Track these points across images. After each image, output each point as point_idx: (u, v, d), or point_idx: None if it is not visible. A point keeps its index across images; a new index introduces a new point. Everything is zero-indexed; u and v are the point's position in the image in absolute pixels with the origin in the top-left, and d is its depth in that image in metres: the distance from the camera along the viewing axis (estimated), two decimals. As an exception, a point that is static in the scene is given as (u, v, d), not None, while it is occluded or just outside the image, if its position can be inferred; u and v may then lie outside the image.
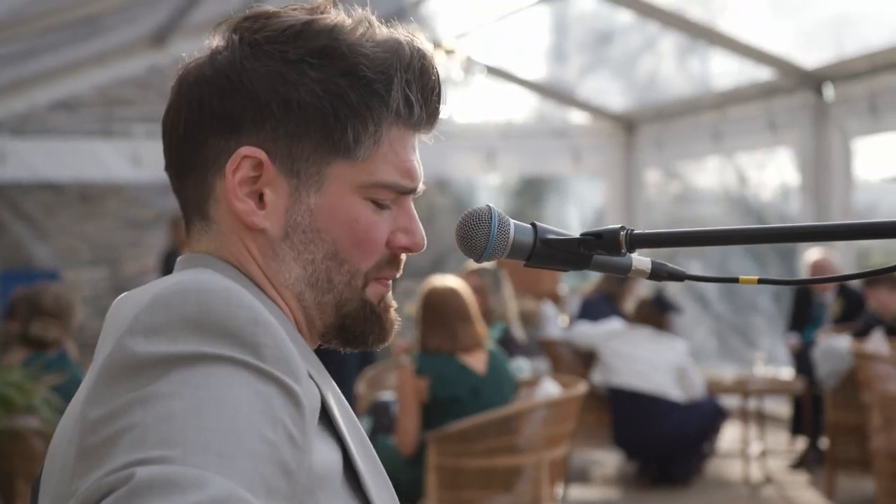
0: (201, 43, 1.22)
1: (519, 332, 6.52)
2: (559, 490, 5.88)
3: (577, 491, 7.21)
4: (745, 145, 9.89)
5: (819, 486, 7.12)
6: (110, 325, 1.10)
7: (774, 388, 7.77)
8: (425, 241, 1.23)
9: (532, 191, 14.14)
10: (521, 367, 6.07)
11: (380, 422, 5.25)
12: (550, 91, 11.47)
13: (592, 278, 9.00)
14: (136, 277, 10.60)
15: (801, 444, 8.00)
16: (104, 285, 10.95)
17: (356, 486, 1.12)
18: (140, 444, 0.91)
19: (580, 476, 7.60)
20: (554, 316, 8.61)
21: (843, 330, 7.26)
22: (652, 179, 11.56)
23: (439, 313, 4.88)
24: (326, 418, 1.12)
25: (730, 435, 8.40)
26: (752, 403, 7.97)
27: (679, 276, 1.21)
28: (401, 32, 1.21)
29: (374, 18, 1.20)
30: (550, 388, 5.31)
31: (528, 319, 8.15)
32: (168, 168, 1.22)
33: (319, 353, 1.26)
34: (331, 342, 1.24)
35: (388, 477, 1.20)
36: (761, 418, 8.00)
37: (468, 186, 12.92)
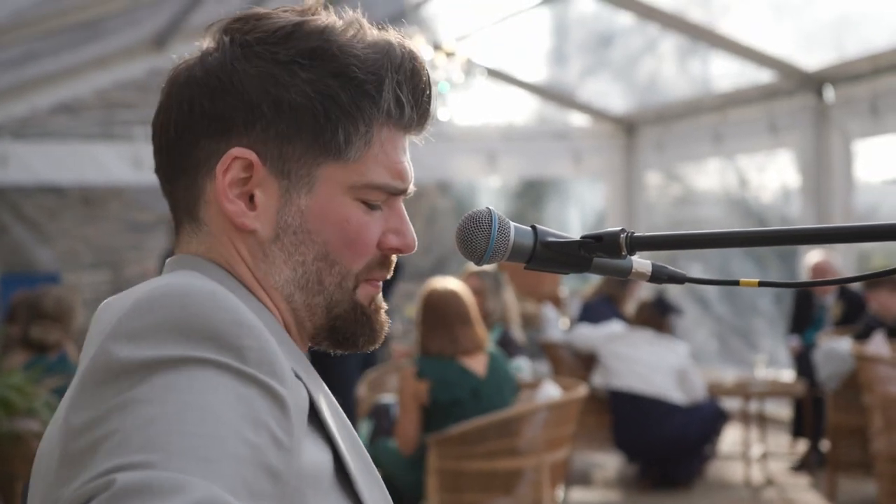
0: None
1: (518, 334, 6.52)
2: (560, 493, 5.88)
3: (577, 494, 7.21)
4: (746, 147, 9.89)
5: (820, 488, 7.11)
6: (94, 330, 1.10)
7: (775, 390, 7.76)
8: (416, 243, 1.23)
9: (533, 193, 14.14)
10: (521, 366, 6.07)
11: (380, 424, 5.25)
12: (551, 93, 11.47)
13: (593, 281, 9.00)
14: (137, 280, 10.57)
15: (802, 446, 8.00)
16: (105, 288, 10.95)
17: (348, 487, 1.12)
18: (121, 449, 0.90)
19: (581, 479, 7.59)
20: (555, 318, 8.61)
21: (844, 332, 7.25)
22: (652, 182, 11.56)
23: (440, 316, 4.88)
24: (316, 419, 1.11)
25: (731, 437, 8.40)
26: (754, 406, 7.97)
27: (679, 279, 1.21)
28: (391, 34, 1.21)
29: (364, 20, 1.20)
30: (551, 391, 5.31)
31: (529, 322, 8.16)
32: (158, 170, 1.22)
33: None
34: (321, 344, 1.24)
35: (380, 478, 1.20)
36: (762, 421, 8.00)
37: (469, 189, 12.92)
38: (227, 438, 0.93)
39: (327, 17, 1.19)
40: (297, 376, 1.10)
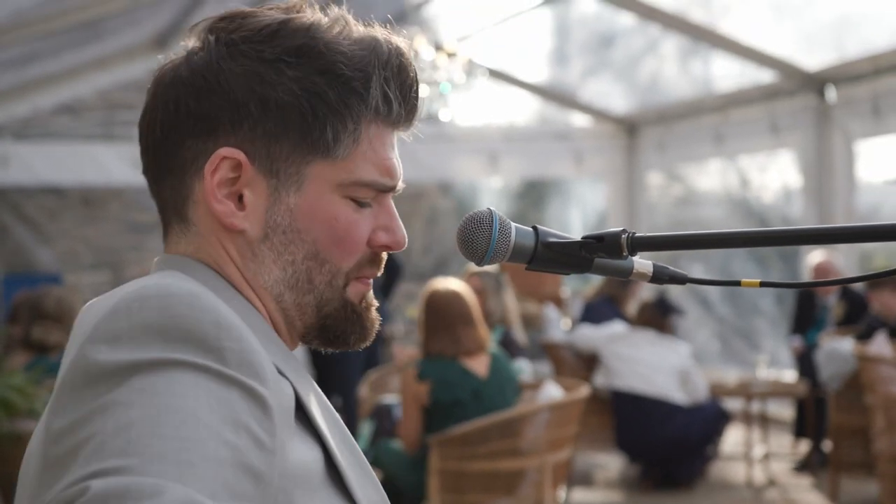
0: None
1: (519, 335, 6.52)
2: (562, 493, 5.88)
3: (579, 494, 7.20)
4: (748, 148, 9.88)
5: (823, 488, 7.10)
6: (76, 333, 1.09)
7: (777, 390, 7.76)
8: (406, 240, 1.23)
9: (534, 193, 14.14)
10: (522, 368, 6.07)
11: (382, 425, 5.25)
12: (552, 94, 11.46)
13: (594, 281, 9.00)
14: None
15: (804, 446, 7.99)
16: (106, 289, 10.84)
17: (340, 484, 1.12)
18: (98, 454, 0.90)
19: (583, 479, 7.59)
20: (556, 319, 8.61)
21: (846, 332, 7.25)
22: (654, 182, 11.56)
23: (441, 316, 4.87)
24: (305, 418, 1.11)
25: (733, 438, 8.39)
26: (756, 406, 7.96)
27: (681, 279, 1.21)
28: (377, 30, 1.20)
29: (350, 16, 1.19)
30: (553, 392, 5.31)
31: (531, 322, 8.16)
32: (145, 171, 1.21)
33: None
34: (312, 342, 1.23)
35: (374, 475, 1.19)
36: (764, 421, 7.99)
37: (471, 189, 12.92)
38: (206, 440, 0.92)
39: (313, 15, 1.18)
40: (283, 374, 1.09)
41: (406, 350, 5.45)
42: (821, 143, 8.59)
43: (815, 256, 7.81)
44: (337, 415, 1.20)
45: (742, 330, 10.54)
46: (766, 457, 7.71)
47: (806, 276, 8.04)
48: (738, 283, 1.19)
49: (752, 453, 7.60)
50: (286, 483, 1.03)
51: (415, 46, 7.96)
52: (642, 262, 1.21)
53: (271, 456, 0.98)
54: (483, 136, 11.08)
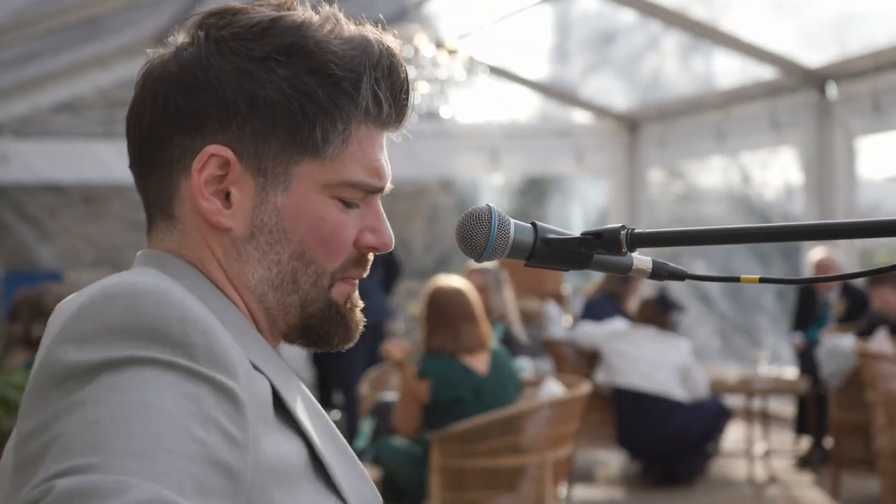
0: None
1: (520, 332, 6.52)
2: (563, 490, 5.88)
3: (580, 491, 7.21)
4: (749, 144, 9.88)
5: (824, 485, 7.10)
6: (46, 334, 1.09)
7: (778, 387, 7.75)
8: (393, 241, 1.22)
9: (535, 190, 14.14)
10: (523, 366, 6.07)
11: (383, 422, 5.25)
12: (553, 91, 11.46)
13: (595, 278, 9.00)
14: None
15: (805, 443, 7.99)
16: (107, 287, 10.96)
17: (325, 477, 1.11)
18: (64, 453, 0.90)
19: (584, 476, 7.59)
20: (557, 316, 8.61)
21: (847, 329, 7.25)
22: (655, 179, 11.55)
23: (443, 313, 4.87)
24: (286, 413, 1.10)
25: (734, 434, 8.39)
26: (757, 403, 7.96)
27: (680, 276, 1.20)
28: (369, 29, 1.19)
29: (341, 15, 1.18)
30: (554, 388, 5.31)
31: (532, 319, 8.15)
32: (132, 165, 1.20)
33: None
34: (294, 342, 1.23)
35: (363, 468, 1.19)
36: (765, 418, 7.99)
37: (472, 186, 12.92)
38: (174, 436, 0.92)
39: (304, 12, 1.17)
40: (259, 369, 1.09)
41: (401, 345, 5.42)
42: (822, 140, 8.58)
43: (815, 253, 7.81)
44: (322, 410, 1.20)
45: (743, 326, 10.54)
46: (767, 453, 7.71)
47: (807, 273, 8.03)
48: (737, 280, 1.19)
49: (753, 450, 7.60)
50: (262, 478, 1.02)
51: (415, 43, 7.96)
52: (641, 259, 1.21)
53: (243, 451, 0.98)
54: (484, 134, 11.08)
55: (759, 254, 10.43)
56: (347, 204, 1.18)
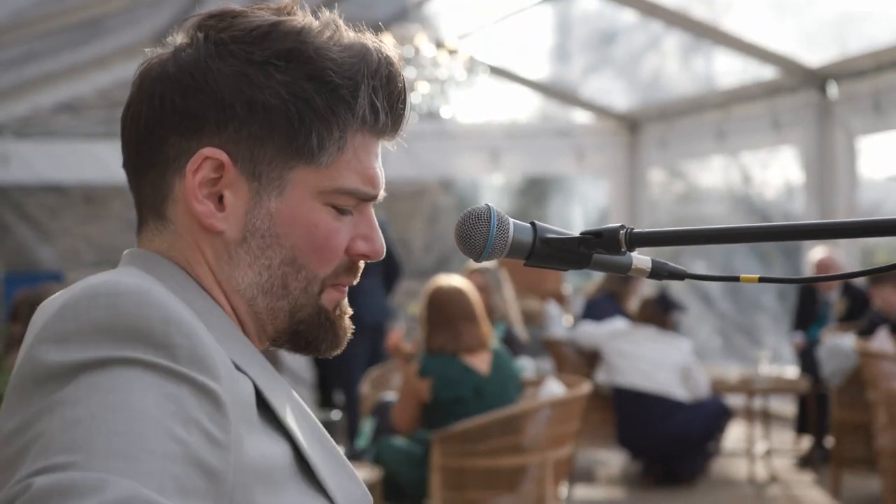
0: None
1: (521, 332, 6.52)
2: (564, 490, 5.88)
3: (581, 491, 7.20)
4: (750, 144, 9.87)
5: (825, 484, 7.10)
6: (28, 333, 1.09)
7: (779, 386, 7.75)
8: (385, 249, 1.22)
9: (536, 190, 14.14)
10: (525, 366, 6.07)
11: (384, 422, 5.25)
12: (554, 91, 11.46)
13: (596, 278, 9.00)
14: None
15: (806, 442, 7.99)
16: (108, 287, 10.95)
17: (311, 478, 1.11)
18: (44, 452, 0.91)
19: (585, 476, 7.59)
20: (558, 316, 8.61)
21: (848, 328, 7.24)
22: (656, 179, 11.55)
23: (443, 313, 4.87)
24: (271, 414, 1.10)
25: (735, 434, 8.39)
26: (758, 402, 7.96)
27: (679, 275, 1.20)
28: (368, 37, 1.20)
29: (341, 22, 1.18)
30: (554, 388, 5.31)
31: (533, 319, 8.16)
32: (126, 165, 1.20)
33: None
34: (282, 346, 1.23)
35: (352, 468, 1.18)
36: (766, 417, 7.99)
37: (472, 186, 12.92)
38: (154, 436, 0.92)
39: (304, 18, 1.17)
40: (242, 370, 1.09)
41: (397, 331, 5.40)
42: (822, 140, 8.58)
43: (816, 252, 7.81)
44: (308, 410, 1.20)
45: (744, 326, 10.53)
46: (768, 453, 7.71)
47: (808, 272, 8.03)
48: (736, 279, 1.19)
49: (754, 450, 7.60)
50: (244, 479, 1.02)
51: (416, 44, 7.96)
52: (641, 258, 1.21)
53: (225, 451, 0.98)
54: (484, 134, 11.08)
55: (759, 253, 10.43)
56: (341, 211, 1.18)
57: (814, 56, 8.57)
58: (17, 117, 10.02)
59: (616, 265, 1.20)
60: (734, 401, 8.17)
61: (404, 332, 5.60)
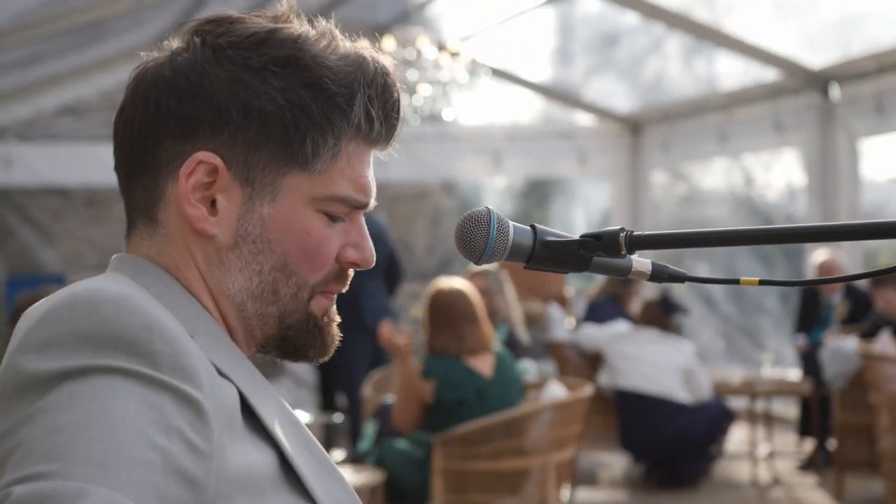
0: None
1: (523, 335, 6.52)
2: (566, 493, 5.87)
3: (584, 493, 7.20)
4: (752, 146, 9.87)
5: (828, 487, 7.09)
6: (11, 341, 1.09)
7: (782, 389, 7.75)
8: (374, 258, 1.23)
9: (538, 193, 14.13)
10: (527, 368, 6.07)
11: (386, 425, 5.24)
12: (556, 93, 11.45)
13: (598, 280, 8.99)
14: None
15: (809, 445, 7.98)
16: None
17: (299, 486, 1.11)
18: (24, 461, 0.91)
19: (587, 478, 7.58)
20: (560, 318, 8.61)
21: (850, 331, 7.24)
22: (658, 181, 11.55)
23: (445, 315, 4.88)
24: (256, 420, 1.10)
25: (737, 436, 8.38)
26: (760, 405, 7.95)
27: (680, 278, 1.20)
28: (364, 47, 1.20)
29: (337, 31, 1.19)
30: (556, 391, 5.30)
31: (535, 322, 8.15)
32: (117, 168, 1.21)
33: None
34: (270, 353, 1.23)
35: (340, 473, 1.18)
36: (769, 420, 7.98)
37: (474, 189, 12.91)
38: (135, 444, 0.92)
39: (300, 26, 1.18)
40: (227, 377, 1.09)
41: (400, 329, 5.37)
42: (825, 142, 8.58)
43: (819, 255, 7.80)
44: (296, 416, 1.20)
45: (746, 328, 10.53)
46: (771, 455, 7.70)
47: (810, 275, 8.03)
48: (737, 282, 1.19)
49: (757, 452, 7.59)
50: (227, 488, 1.02)
51: (418, 46, 7.96)
52: (641, 261, 1.21)
53: (207, 460, 0.98)
54: (486, 136, 11.08)
55: (762, 255, 10.42)
56: (333, 218, 1.18)
57: (816, 58, 8.57)
58: (20, 120, 10.03)
59: (616, 268, 1.20)
60: (737, 403, 8.17)
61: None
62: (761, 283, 1.18)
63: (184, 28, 1.19)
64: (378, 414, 5.38)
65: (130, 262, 1.17)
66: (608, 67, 11.31)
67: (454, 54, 8.12)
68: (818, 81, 8.55)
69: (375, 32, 8.47)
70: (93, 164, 9.77)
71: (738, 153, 10.31)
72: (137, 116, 1.17)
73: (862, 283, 7.54)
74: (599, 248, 1.17)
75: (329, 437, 6.40)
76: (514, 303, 6.55)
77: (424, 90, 8.19)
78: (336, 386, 7.72)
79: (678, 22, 8.76)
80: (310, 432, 1.19)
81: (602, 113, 11.16)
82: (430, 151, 10.12)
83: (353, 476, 4.78)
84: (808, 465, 7.70)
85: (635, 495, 7.24)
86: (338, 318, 1.24)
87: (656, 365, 7.16)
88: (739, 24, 8.72)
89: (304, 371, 9.11)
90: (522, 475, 4.86)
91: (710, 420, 7.21)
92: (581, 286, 10.63)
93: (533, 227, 1.19)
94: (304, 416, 5.04)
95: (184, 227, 1.16)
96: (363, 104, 1.16)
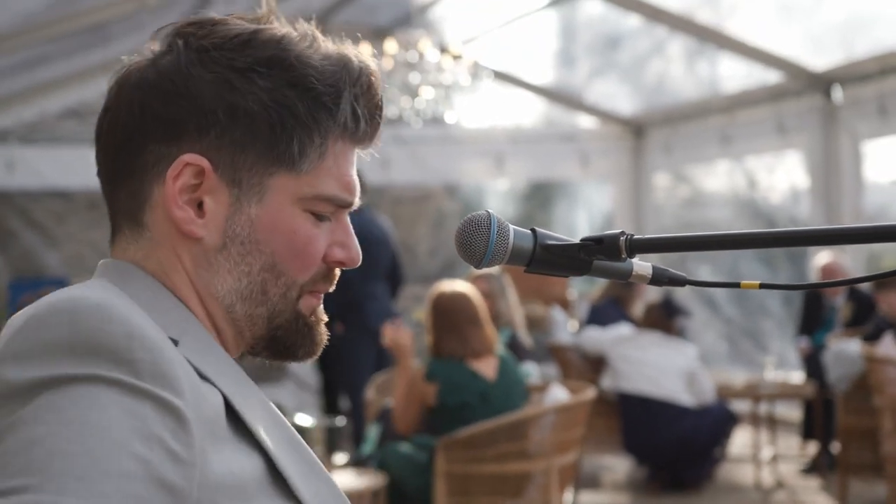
0: None
1: (526, 338, 6.51)
2: (569, 496, 5.86)
3: (587, 497, 7.19)
4: (755, 148, 9.86)
5: (831, 490, 7.08)
6: None
7: (785, 392, 7.73)
8: (361, 257, 1.22)
9: (540, 195, 14.12)
10: (529, 371, 6.07)
11: (389, 428, 5.24)
12: (558, 95, 11.45)
13: (600, 283, 8.98)
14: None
15: (812, 448, 7.97)
16: (113, 293, 10.96)
17: (287, 490, 1.10)
18: (1, 475, 0.90)
19: (590, 482, 7.57)
20: (563, 321, 8.60)
21: (853, 333, 7.23)
22: (661, 183, 11.54)
23: (448, 318, 4.87)
24: (242, 425, 1.09)
25: (741, 440, 8.37)
26: (763, 408, 7.94)
27: (680, 281, 1.20)
28: (347, 47, 1.20)
29: (318, 32, 1.19)
30: (559, 394, 5.30)
31: (538, 325, 8.14)
32: (100, 173, 1.20)
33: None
34: (259, 353, 1.23)
35: (328, 475, 1.18)
36: (772, 423, 7.97)
37: (477, 191, 12.91)
38: (114, 455, 0.92)
39: (282, 27, 1.18)
40: (211, 382, 1.08)
41: (402, 329, 5.34)
42: (828, 144, 8.57)
43: (822, 257, 7.79)
44: (283, 418, 1.19)
45: (749, 331, 10.51)
46: (774, 459, 7.69)
47: (813, 277, 8.02)
48: (737, 285, 1.18)
49: (760, 455, 7.58)
50: (210, 495, 1.01)
51: (420, 49, 7.96)
52: (641, 265, 1.21)
53: (189, 468, 0.97)
54: (489, 138, 11.07)
55: (765, 258, 10.41)
56: (319, 217, 1.18)
57: (819, 60, 8.56)
58: (23, 123, 10.03)
59: (617, 272, 1.20)
60: (740, 406, 8.16)
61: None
62: (762, 286, 1.17)
63: (164, 31, 1.20)
64: (381, 417, 5.38)
65: (116, 268, 1.16)
66: (611, 70, 11.31)
67: (456, 57, 8.11)
68: (821, 83, 8.54)
69: (377, 35, 8.48)
70: (95, 167, 9.79)
71: (740, 155, 10.30)
72: (121, 120, 1.16)
73: (865, 286, 7.53)
74: (600, 252, 1.17)
75: (332, 441, 6.39)
76: (517, 306, 6.55)
77: (427, 93, 8.19)
78: (339, 389, 7.71)
79: (681, 24, 8.76)
80: (295, 431, 1.19)
81: (605, 115, 11.15)
82: (432, 154, 10.12)
83: (355, 479, 4.78)
84: (812, 468, 7.69)
85: (638, 498, 7.23)
86: (325, 318, 1.24)
87: (659, 368, 7.15)
88: (742, 27, 8.71)
89: (307, 374, 9.10)
90: (525, 478, 4.85)
91: (714, 423, 7.20)
92: (584, 289, 10.62)
93: (533, 230, 1.19)
94: (306, 420, 5.04)
95: (171, 230, 1.15)
96: (349, 103, 1.17)
